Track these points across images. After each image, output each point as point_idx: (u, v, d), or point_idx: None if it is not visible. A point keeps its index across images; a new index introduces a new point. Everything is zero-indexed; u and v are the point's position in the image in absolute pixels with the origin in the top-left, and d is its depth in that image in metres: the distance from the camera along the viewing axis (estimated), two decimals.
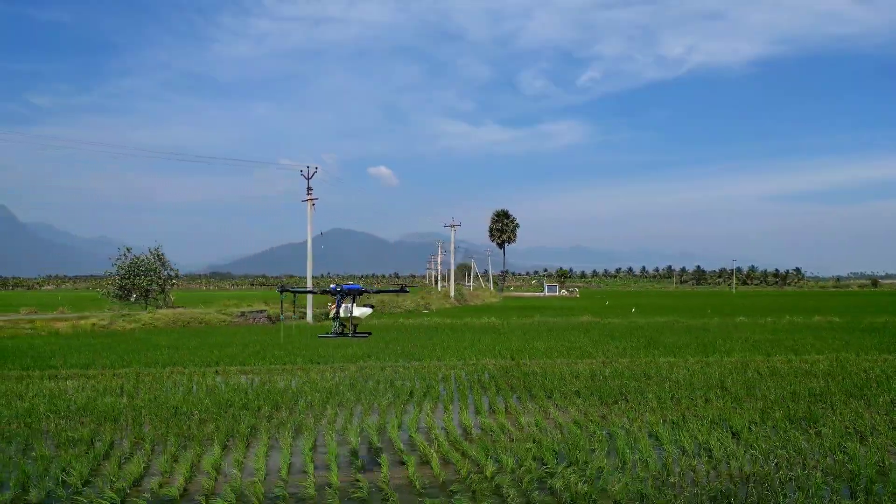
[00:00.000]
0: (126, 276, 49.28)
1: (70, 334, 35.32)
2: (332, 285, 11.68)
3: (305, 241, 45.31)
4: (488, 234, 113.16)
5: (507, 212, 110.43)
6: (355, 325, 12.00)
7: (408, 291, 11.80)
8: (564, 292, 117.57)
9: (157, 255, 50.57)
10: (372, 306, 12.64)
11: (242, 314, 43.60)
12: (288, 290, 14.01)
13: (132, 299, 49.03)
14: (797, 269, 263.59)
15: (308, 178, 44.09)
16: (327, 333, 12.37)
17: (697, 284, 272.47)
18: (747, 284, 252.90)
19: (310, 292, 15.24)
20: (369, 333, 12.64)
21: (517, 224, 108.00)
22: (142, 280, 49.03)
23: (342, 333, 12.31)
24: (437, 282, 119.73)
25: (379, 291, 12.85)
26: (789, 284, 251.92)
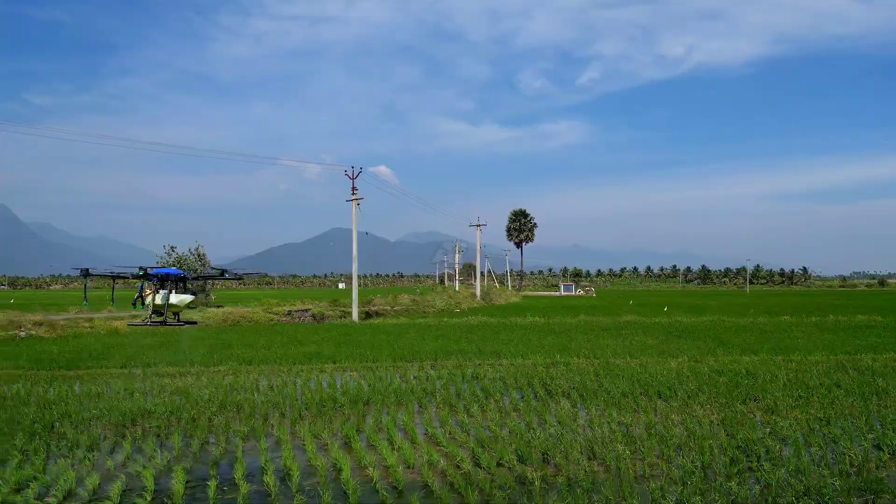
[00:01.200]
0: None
1: (131, 332, 35.56)
2: (152, 271, 11.87)
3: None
4: (506, 233, 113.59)
5: (524, 211, 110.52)
6: (177, 314, 11.61)
7: (228, 277, 13.44)
8: (580, 292, 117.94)
9: (199, 255, 50.86)
10: (194, 294, 11.87)
11: (289, 313, 43.90)
12: (93, 274, 13.09)
13: None
14: (804, 269, 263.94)
15: (353, 179, 44.41)
16: (141, 322, 11.71)
17: (702, 284, 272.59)
18: (753, 284, 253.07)
19: (118, 276, 15.72)
20: (194, 323, 11.92)
21: (535, 223, 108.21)
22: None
23: (161, 322, 11.71)
24: (444, 281, 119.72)
25: (200, 278, 13.69)
26: (795, 284, 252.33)
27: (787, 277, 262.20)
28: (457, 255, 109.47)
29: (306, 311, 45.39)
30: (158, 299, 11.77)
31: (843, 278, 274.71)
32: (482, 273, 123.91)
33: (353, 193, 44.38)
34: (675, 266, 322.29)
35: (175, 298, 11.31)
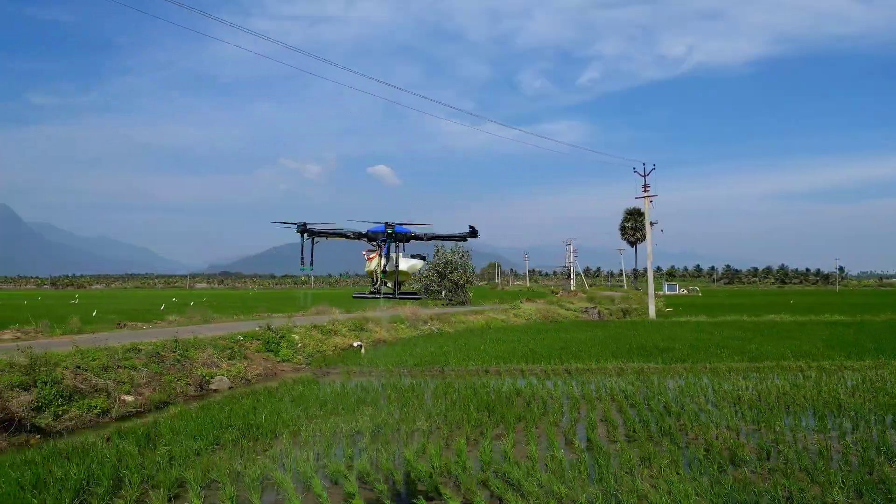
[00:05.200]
0: (441, 274, 51.09)
1: (502, 328, 37.33)
2: (370, 227, 7.82)
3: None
4: (619, 232, 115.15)
5: (639, 209, 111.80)
6: (400, 283, 7.91)
7: (477, 235, 7.92)
8: (684, 291, 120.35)
9: (461, 253, 52.25)
10: (423, 258, 8.40)
11: (586, 310, 46.04)
12: (314, 231, 7.32)
13: (442, 295, 50.80)
14: (840, 269, 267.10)
15: (644, 176, 46.47)
16: (364, 293, 8.23)
17: (728, 284, 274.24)
18: (785, 284, 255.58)
19: (339, 235, 7.79)
20: (418, 295, 8.12)
21: (652, 222, 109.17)
22: (455, 276, 50.87)
23: (389, 294, 7.85)
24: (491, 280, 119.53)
25: (438, 237, 8.05)
26: (831, 284, 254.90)
27: (823, 277, 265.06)
28: (571, 255, 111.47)
29: (594, 308, 47.52)
30: (385, 265, 8.85)
31: (880, 278, 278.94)
32: (579, 273, 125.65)
33: (646, 190, 46.42)
34: (697, 266, 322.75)
35: (405, 264, 8.83)
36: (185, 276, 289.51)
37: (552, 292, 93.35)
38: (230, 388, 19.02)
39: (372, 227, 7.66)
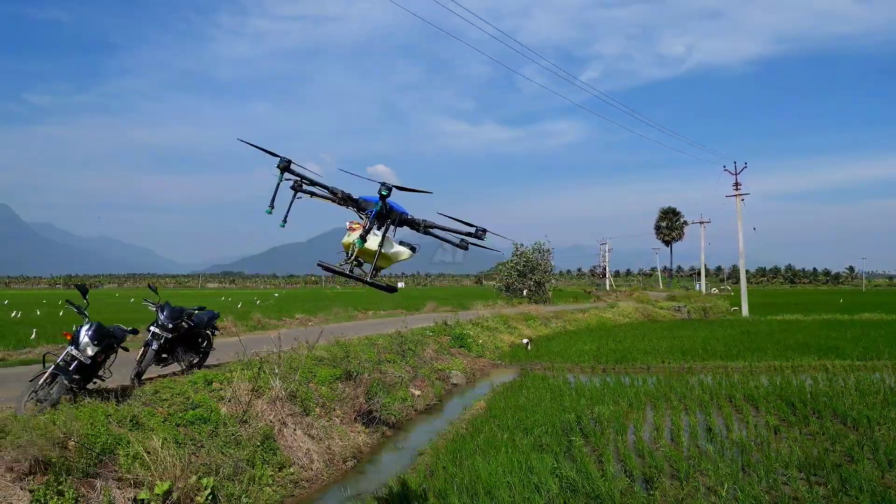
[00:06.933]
0: (522, 273, 50.87)
1: (617, 325, 37.43)
2: (366, 195, 6.40)
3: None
4: (654, 231, 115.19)
5: (675, 209, 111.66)
6: (377, 269, 6.31)
7: (482, 237, 6.03)
8: (715, 290, 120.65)
9: (541, 251, 51.91)
10: (414, 249, 6.74)
11: (678, 309, 46.28)
12: (297, 175, 5.65)
13: (524, 293, 50.55)
14: (850, 268, 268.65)
15: (735, 174, 46.73)
16: (332, 265, 6.37)
17: (736, 283, 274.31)
18: (795, 283, 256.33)
19: (325, 190, 6.32)
20: (394, 289, 6.66)
21: (686, 221, 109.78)
22: (536, 275, 50.72)
23: (357, 276, 6.34)
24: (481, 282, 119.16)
25: (433, 227, 6.28)
26: (842, 283, 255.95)
27: (833, 277, 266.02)
28: (606, 256, 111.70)
29: (683, 306, 47.79)
30: (372, 243, 5.51)
31: (890, 278, 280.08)
32: (605, 272, 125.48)
33: (737, 189, 46.69)
34: (706, 265, 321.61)
35: (391, 248, 6.88)
36: (196, 276, 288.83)
37: (586, 292, 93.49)
38: (466, 382, 19.18)
39: (371, 196, 6.28)
